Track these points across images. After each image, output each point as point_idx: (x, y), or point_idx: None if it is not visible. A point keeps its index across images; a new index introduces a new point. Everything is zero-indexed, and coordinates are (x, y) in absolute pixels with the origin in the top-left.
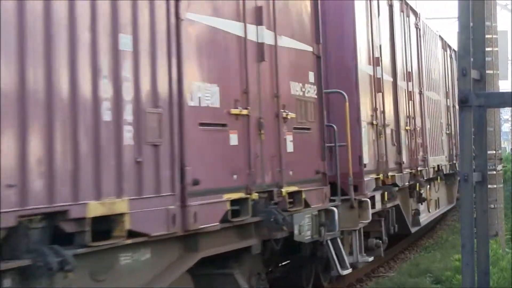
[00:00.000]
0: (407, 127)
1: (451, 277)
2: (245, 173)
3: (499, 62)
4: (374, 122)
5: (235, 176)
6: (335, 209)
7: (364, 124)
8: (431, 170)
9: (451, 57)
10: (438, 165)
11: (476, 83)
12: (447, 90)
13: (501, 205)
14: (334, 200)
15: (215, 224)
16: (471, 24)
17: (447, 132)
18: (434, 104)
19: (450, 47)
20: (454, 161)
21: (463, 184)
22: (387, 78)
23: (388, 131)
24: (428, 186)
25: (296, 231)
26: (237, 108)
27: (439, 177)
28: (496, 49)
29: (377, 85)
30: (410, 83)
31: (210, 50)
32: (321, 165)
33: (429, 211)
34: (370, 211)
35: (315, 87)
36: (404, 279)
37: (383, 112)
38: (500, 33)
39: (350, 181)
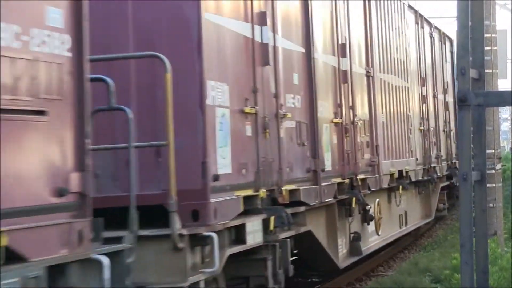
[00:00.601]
0: (337, 120)
1: (450, 276)
2: None
3: (498, 61)
4: (250, 110)
5: None
6: (104, 259)
7: (222, 111)
8: (386, 177)
9: (431, 37)
10: (401, 171)
11: (475, 82)
12: (422, 76)
13: (500, 204)
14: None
15: None
16: (470, 23)
17: (421, 128)
18: (398, 92)
19: (430, 24)
20: (433, 165)
21: (462, 183)
22: (289, 46)
23: (288, 124)
24: (378, 199)
25: None
26: None
27: (401, 187)
28: (495, 48)
29: (260, 53)
30: (344, 59)
31: None
32: (74, 181)
33: (378, 234)
34: (218, 252)
35: (66, 37)
36: (403, 278)
37: (276, 95)
38: (499, 32)
39: (172, 205)
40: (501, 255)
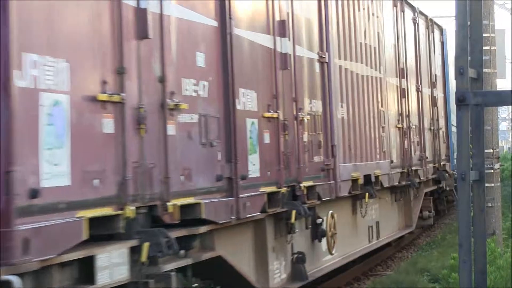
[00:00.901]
0: (270, 114)
1: (448, 275)
2: None
3: (497, 61)
4: (110, 98)
5: None
6: None
7: (54, 98)
8: (346, 184)
9: (415, 23)
10: (368, 176)
11: (474, 81)
12: (402, 66)
13: (499, 203)
14: None
15: None
16: (469, 23)
17: (399, 126)
18: (366, 83)
19: (413, 8)
20: (415, 167)
21: (461, 183)
22: (190, 16)
23: (184, 117)
24: (332, 211)
25: None
26: None
27: (367, 194)
28: (493, 47)
29: (134, 22)
30: (283, 40)
31: None
32: None
33: (331, 253)
34: None
35: None
36: (401, 277)
37: (163, 80)
38: (497, 31)
39: None
40: (500, 255)
